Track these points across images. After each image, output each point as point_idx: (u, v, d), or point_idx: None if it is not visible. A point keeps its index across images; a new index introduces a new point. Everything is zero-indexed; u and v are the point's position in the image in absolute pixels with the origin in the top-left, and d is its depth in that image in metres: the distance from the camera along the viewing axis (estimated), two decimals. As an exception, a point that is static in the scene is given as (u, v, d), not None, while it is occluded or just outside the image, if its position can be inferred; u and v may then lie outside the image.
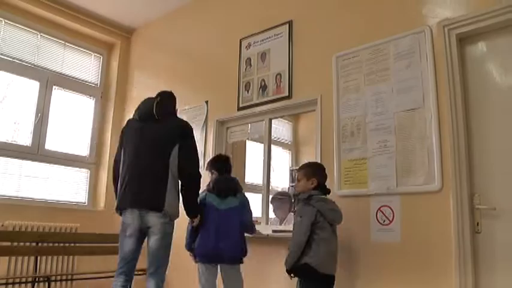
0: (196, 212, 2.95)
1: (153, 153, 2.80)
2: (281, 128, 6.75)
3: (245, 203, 3.11)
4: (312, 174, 2.74)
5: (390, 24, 3.02)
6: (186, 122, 3.04)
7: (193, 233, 3.04)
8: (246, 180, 5.44)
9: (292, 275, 2.60)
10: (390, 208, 2.80)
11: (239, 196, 3.09)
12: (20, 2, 4.49)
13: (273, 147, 4.02)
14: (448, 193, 2.56)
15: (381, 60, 3.02)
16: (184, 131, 2.92)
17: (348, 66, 3.18)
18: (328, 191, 2.76)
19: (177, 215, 2.81)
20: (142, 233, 2.76)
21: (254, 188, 5.27)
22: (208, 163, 3.32)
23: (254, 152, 5.16)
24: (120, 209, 2.80)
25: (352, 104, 3.12)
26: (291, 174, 6.54)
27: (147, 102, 2.97)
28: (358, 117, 3.07)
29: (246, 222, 3.06)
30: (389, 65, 2.97)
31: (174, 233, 2.82)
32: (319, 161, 3.20)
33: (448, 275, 2.48)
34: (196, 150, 2.94)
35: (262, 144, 3.86)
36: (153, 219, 2.69)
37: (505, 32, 2.58)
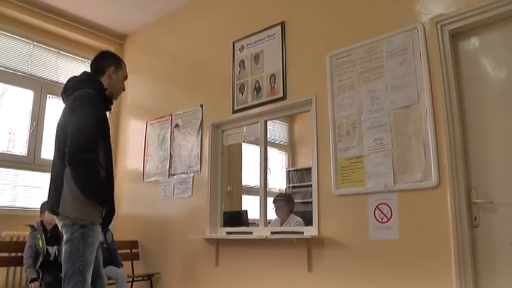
0: (101, 200, 2.32)
1: (56, 145, 2.41)
2: (277, 130, 6.77)
3: None
4: None
5: (383, 21, 3.03)
6: (86, 90, 2.39)
7: None
8: (243, 183, 5.45)
9: None
10: (388, 206, 2.80)
11: None
12: (12, 11, 4.48)
13: (269, 148, 4.02)
14: (445, 188, 2.56)
15: (374, 58, 3.02)
16: (75, 102, 2.34)
17: (342, 65, 3.19)
18: None
19: (82, 216, 2.26)
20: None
21: (251, 190, 5.28)
22: None
23: (250, 154, 5.16)
24: None
25: (347, 102, 3.12)
26: (288, 175, 6.55)
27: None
28: (353, 115, 3.07)
29: None
30: (383, 62, 2.97)
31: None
32: (315, 161, 3.21)
33: (447, 270, 2.47)
34: (86, 122, 2.28)
35: (258, 146, 3.86)
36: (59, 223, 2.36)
37: (497, 26, 2.59)
